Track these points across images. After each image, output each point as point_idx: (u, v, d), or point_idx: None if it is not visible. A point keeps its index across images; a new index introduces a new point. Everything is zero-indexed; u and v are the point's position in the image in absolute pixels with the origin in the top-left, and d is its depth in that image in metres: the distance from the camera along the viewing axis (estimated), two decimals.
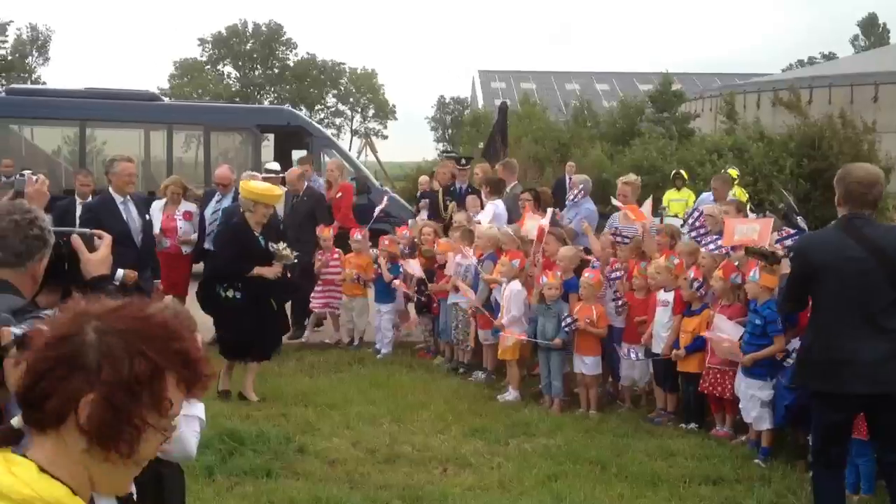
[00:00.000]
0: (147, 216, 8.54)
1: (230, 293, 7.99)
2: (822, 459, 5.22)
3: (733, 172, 16.73)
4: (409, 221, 12.35)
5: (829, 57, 74.15)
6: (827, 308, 5.00)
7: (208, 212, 10.76)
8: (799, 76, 43.04)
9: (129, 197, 8.27)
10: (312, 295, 10.80)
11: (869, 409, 5.06)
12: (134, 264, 7.66)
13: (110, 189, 8.27)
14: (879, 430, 5.14)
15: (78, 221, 8.35)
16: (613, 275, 8.34)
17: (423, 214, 12.33)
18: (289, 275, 8.74)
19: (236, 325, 8.00)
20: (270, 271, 8.09)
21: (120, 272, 7.19)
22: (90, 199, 9.28)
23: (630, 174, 10.83)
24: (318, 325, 11.38)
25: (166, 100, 21.25)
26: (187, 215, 10.51)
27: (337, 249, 10.84)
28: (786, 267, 5.67)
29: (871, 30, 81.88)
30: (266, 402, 8.04)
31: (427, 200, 12.54)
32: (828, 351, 4.95)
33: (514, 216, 10.53)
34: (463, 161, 12.75)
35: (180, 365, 1.66)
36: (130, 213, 8.22)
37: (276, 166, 11.89)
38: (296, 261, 8.63)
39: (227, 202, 10.63)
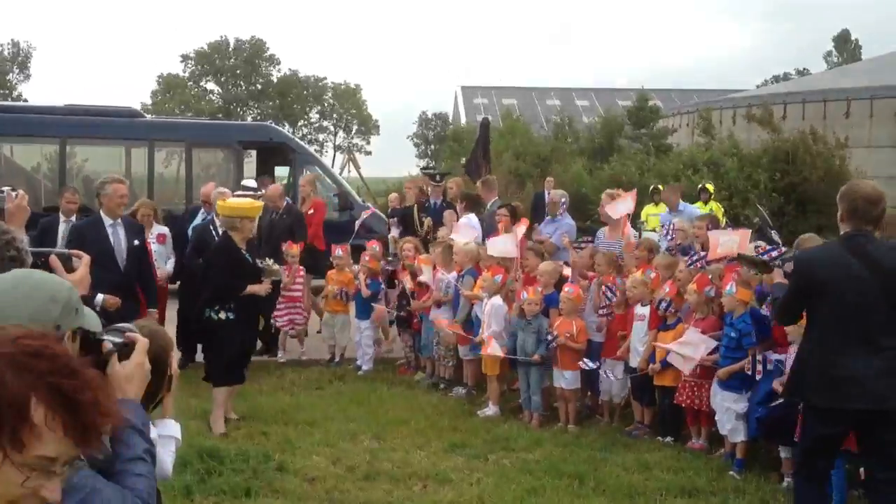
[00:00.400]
0: (136, 241, 8.18)
1: (222, 315, 7.76)
2: (805, 472, 5.26)
3: (710, 187, 16.96)
4: (390, 237, 12.46)
5: (803, 73, 74.90)
6: (825, 324, 5.01)
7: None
8: (773, 92, 43.46)
9: (119, 220, 8.03)
10: (275, 313, 10.74)
11: (862, 425, 5.04)
12: (116, 289, 7.40)
13: (101, 211, 8.00)
14: (872, 447, 5.12)
15: (61, 240, 8.24)
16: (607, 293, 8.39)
17: (395, 232, 12.44)
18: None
19: (228, 347, 7.85)
20: (262, 289, 7.97)
21: (100, 297, 7.05)
22: (74, 217, 9.08)
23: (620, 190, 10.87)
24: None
25: (148, 116, 21.16)
26: (161, 238, 10.13)
27: (301, 267, 10.84)
28: (778, 276, 5.74)
29: (844, 46, 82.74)
30: (245, 420, 8.06)
31: (396, 219, 12.66)
32: (825, 366, 4.96)
33: (493, 232, 10.62)
34: (437, 178, 12.84)
35: (57, 403, 1.55)
36: (118, 236, 7.98)
37: (252, 183, 11.92)
38: (283, 276, 8.65)
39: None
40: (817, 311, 5.07)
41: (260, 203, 8.53)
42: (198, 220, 10.76)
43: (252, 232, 8.11)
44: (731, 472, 6.81)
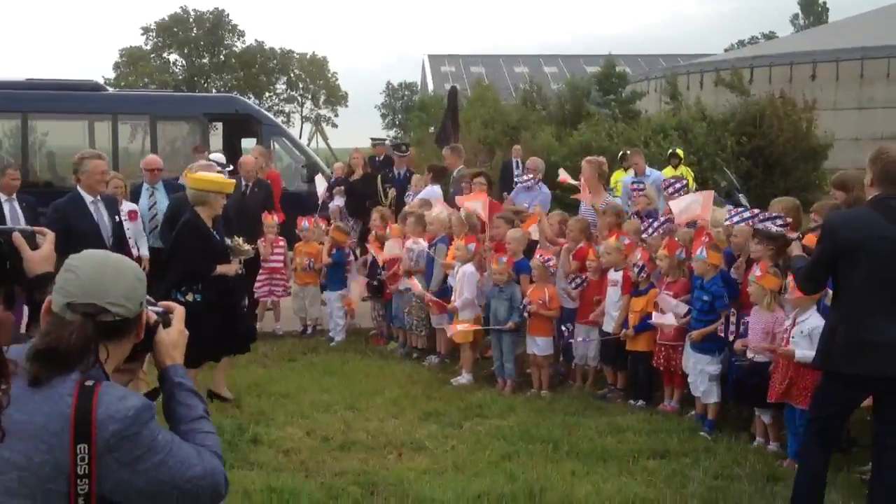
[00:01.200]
0: (117, 217, 7.92)
1: (189, 297, 7.27)
2: (819, 431, 5.17)
3: (679, 152, 17.04)
4: (333, 206, 12.44)
5: (770, 36, 75.20)
6: (856, 288, 4.85)
7: (143, 206, 10.25)
8: (740, 56, 43.62)
9: (99, 197, 7.75)
10: (256, 284, 10.70)
11: (885, 390, 4.92)
12: None
13: (79, 188, 7.70)
14: (887, 413, 4.99)
15: (9, 219, 7.76)
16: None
17: (339, 200, 12.42)
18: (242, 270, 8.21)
19: (197, 331, 7.59)
20: (231, 268, 7.57)
21: None
22: (15, 195, 8.18)
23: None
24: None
25: (110, 89, 20.79)
26: (132, 215, 9.71)
27: (281, 238, 10.81)
28: (796, 248, 5.51)
29: (811, 9, 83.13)
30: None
31: (342, 187, 12.63)
32: (855, 332, 4.82)
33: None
34: (403, 147, 12.83)
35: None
36: (101, 213, 7.72)
37: (221, 158, 11.71)
38: (253, 254, 8.33)
39: (161, 195, 10.28)
40: (847, 276, 4.89)
41: (232, 180, 8.12)
42: (144, 197, 10.33)
43: (219, 209, 7.65)
44: (702, 433, 6.90)
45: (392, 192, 12.13)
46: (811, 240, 5.64)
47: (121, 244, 7.85)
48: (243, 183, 10.63)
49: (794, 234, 5.78)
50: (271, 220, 10.68)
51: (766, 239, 6.30)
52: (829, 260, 4.95)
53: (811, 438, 5.27)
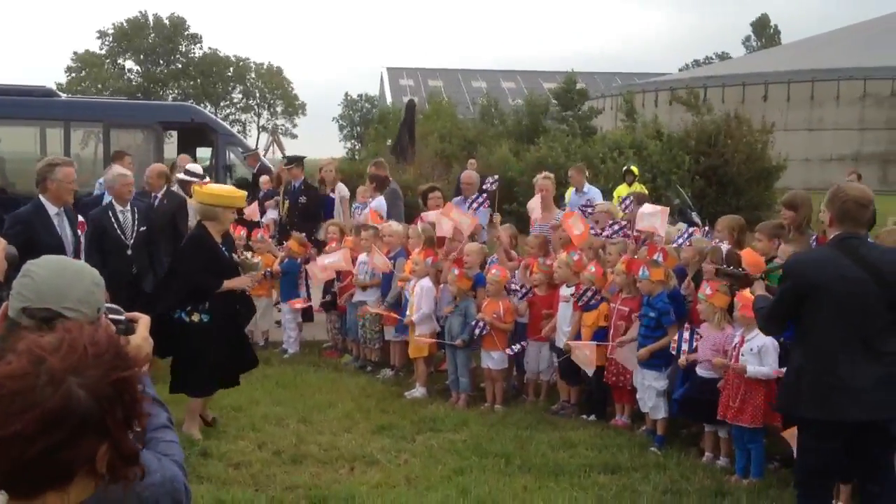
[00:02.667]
0: (79, 232, 7.44)
1: (195, 317, 6.85)
2: (806, 492, 4.96)
3: (634, 169, 17.25)
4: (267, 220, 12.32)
5: (724, 57, 76.52)
6: (820, 330, 4.72)
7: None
8: (694, 75, 44.36)
9: (62, 209, 7.13)
10: None
11: (857, 436, 4.75)
12: None
13: (42, 197, 7.02)
14: (863, 458, 4.85)
15: None
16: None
17: (271, 213, 12.39)
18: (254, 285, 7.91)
19: (205, 354, 6.90)
20: (241, 282, 7.14)
21: None
22: None
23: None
24: None
25: (63, 96, 20.51)
26: (82, 227, 9.03)
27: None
28: (759, 288, 5.38)
29: (763, 31, 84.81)
30: (168, 406, 7.89)
31: (275, 200, 12.61)
32: (821, 375, 4.68)
33: (393, 211, 11.19)
34: (296, 161, 12.91)
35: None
36: (64, 227, 7.12)
37: (198, 169, 11.49)
38: (261, 269, 8.03)
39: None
40: (810, 317, 4.77)
41: (243, 192, 7.57)
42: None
43: (229, 224, 7.33)
44: (652, 449, 6.96)
45: (286, 204, 12.11)
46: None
47: (118, 255, 7.69)
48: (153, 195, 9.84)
49: (757, 274, 5.65)
50: (239, 233, 10.59)
51: (728, 278, 6.14)
52: (792, 300, 4.85)
53: (802, 502, 5.05)
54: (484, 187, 10.11)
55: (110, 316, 2.42)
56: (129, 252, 7.98)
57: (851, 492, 5.69)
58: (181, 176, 10.69)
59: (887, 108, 35.17)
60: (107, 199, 8.80)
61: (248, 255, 7.63)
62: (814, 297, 4.72)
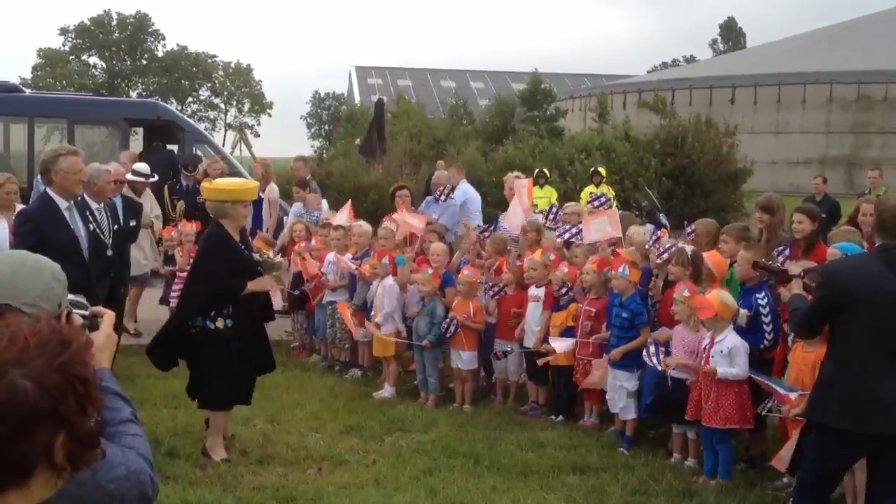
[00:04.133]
0: (91, 226, 6.84)
1: (219, 322, 6.39)
2: (809, 493, 4.91)
3: (602, 170, 17.33)
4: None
5: (691, 60, 77.21)
6: (854, 341, 4.59)
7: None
8: (662, 78, 44.67)
9: (72, 202, 6.61)
10: (171, 295, 10.47)
11: (880, 448, 4.68)
12: (83, 290, 6.37)
13: (49, 191, 6.47)
14: (884, 472, 4.73)
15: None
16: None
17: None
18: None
19: (230, 362, 6.45)
20: (264, 284, 6.69)
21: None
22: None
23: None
24: None
25: (28, 91, 20.22)
26: None
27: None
28: (797, 286, 5.18)
29: (730, 34, 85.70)
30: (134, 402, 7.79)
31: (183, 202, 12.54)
32: (851, 387, 4.57)
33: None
34: (190, 168, 12.88)
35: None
36: (76, 221, 6.59)
37: (145, 168, 11.39)
38: (284, 267, 7.70)
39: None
40: (845, 327, 4.62)
41: (255, 183, 7.11)
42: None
43: (245, 218, 6.87)
44: (620, 449, 6.98)
45: (180, 204, 12.03)
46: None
47: (98, 256, 6.90)
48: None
49: (797, 270, 5.43)
50: (189, 228, 10.48)
51: (767, 272, 5.85)
52: (828, 309, 4.69)
53: (801, 501, 5.00)
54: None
55: (74, 311, 2.38)
56: (109, 253, 7.54)
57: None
58: (129, 177, 10.45)
59: (853, 111, 35.67)
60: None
61: (269, 253, 7.20)
62: (849, 307, 4.57)
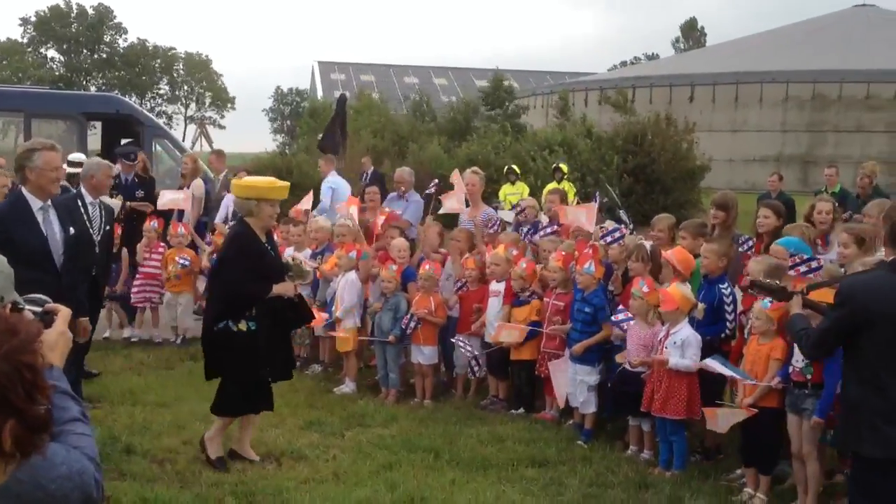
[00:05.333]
0: (71, 229, 6.22)
1: (243, 325, 6.14)
2: None
3: (563, 167, 17.44)
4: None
5: (652, 57, 77.84)
6: (875, 361, 4.34)
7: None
8: (623, 76, 44.99)
9: (49, 202, 6.03)
10: (133, 290, 10.42)
11: None
12: (54, 295, 6.06)
13: (24, 189, 5.94)
14: None
15: None
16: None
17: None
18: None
19: (248, 368, 6.22)
20: (288, 288, 6.39)
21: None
22: None
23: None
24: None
25: None
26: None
27: (161, 243, 10.57)
28: (797, 306, 4.95)
29: (691, 33, 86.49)
30: (90, 402, 7.73)
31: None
32: (875, 409, 4.30)
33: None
34: (132, 156, 12.82)
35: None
36: (50, 223, 6.01)
37: (80, 157, 11.16)
38: (313, 277, 7.39)
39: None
40: (866, 347, 4.38)
41: (285, 183, 6.73)
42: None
43: (273, 219, 6.57)
44: (579, 442, 7.06)
45: (119, 199, 11.98)
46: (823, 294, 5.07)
47: (85, 254, 6.52)
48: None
49: (797, 288, 5.18)
50: (150, 224, 10.42)
51: (765, 292, 5.53)
52: (845, 329, 4.46)
53: None
54: (427, 192, 10.17)
55: (27, 307, 2.36)
56: (96, 250, 7.37)
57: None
58: (67, 169, 10.02)
59: (808, 110, 36.16)
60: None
61: (300, 257, 6.88)
62: (868, 325, 4.36)
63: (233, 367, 6.19)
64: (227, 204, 11.38)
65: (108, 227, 7.58)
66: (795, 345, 5.64)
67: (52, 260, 5.93)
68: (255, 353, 6.18)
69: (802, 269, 6.03)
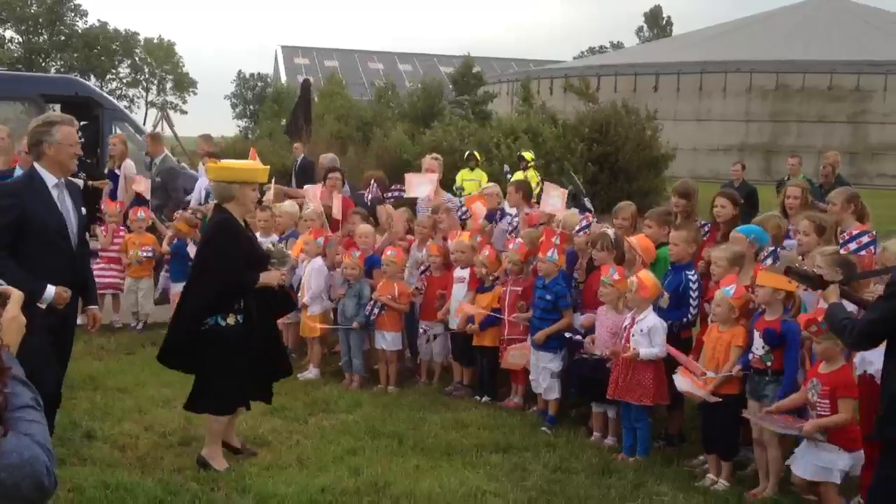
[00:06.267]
0: (83, 209, 5.83)
1: (230, 319, 5.82)
2: None
3: (527, 155, 17.44)
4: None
5: (617, 46, 78.15)
6: None
7: None
8: (588, 64, 45.13)
9: (62, 179, 5.56)
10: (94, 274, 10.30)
11: None
12: (68, 279, 5.39)
13: (37, 165, 5.45)
14: None
15: None
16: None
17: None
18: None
19: (235, 362, 5.88)
20: (275, 277, 6.06)
21: (50, 289, 5.14)
22: None
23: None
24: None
25: None
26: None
27: (122, 227, 10.46)
28: (834, 295, 4.74)
29: (656, 21, 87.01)
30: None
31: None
32: None
33: (169, 185, 11.74)
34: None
35: None
36: (65, 203, 5.53)
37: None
38: (294, 262, 7.20)
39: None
40: None
41: (265, 166, 6.42)
42: None
43: (254, 203, 6.32)
44: (543, 428, 7.08)
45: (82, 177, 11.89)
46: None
47: (86, 245, 6.05)
48: None
49: (836, 277, 4.99)
50: (114, 208, 10.28)
51: (800, 279, 5.19)
52: None
53: None
54: (390, 194, 10.03)
55: None
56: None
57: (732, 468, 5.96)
58: None
59: (771, 100, 36.59)
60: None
61: (281, 245, 6.63)
62: None
63: (218, 363, 5.83)
64: (201, 188, 11.29)
65: (83, 212, 7.31)
66: (756, 333, 5.72)
67: (70, 240, 5.51)
68: (245, 346, 5.88)
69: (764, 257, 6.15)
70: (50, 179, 5.41)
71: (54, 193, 5.44)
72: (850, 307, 4.90)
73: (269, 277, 5.98)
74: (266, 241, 6.79)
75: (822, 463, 5.26)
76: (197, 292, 5.89)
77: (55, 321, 5.26)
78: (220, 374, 5.87)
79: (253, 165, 6.21)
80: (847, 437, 5.22)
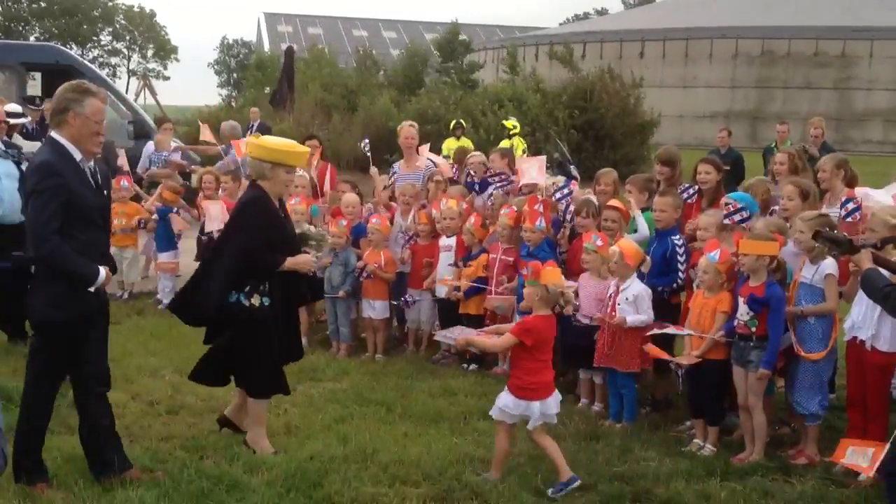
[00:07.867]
0: (106, 191, 5.29)
1: (255, 299, 5.61)
2: None
3: (509, 124, 17.36)
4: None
5: (602, 12, 77.73)
6: None
7: None
8: (574, 31, 44.90)
9: (83, 158, 4.97)
10: None
11: None
12: (105, 258, 5.13)
13: (62, 139, 4.88)
14: None
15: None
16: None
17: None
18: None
19: (269, 347, 5.71)
20: (305, 261, 5.80)
21: (102, 273, 4.87)
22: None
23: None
24: None
25: None
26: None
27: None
28: (867, 260, 4.62)
29: None
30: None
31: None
32: None
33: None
34: (37, 101, 12.58)
35: None
36: (96, 179, 5.07)
37: (16, 107, 10.77)
38: (330, 243, 7.07)
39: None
40: None
41: (305, 148, 6.24)
42: None
43: (290, 185, 6.18)
44: None
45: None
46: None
47: (108, 220, 5.50)
48: None
49: (869, 240, 4.87)
50: None
51: (830, 244, 5.00)
52: None
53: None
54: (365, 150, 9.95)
55: None
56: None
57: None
58: (11, 121, 9.43)
59: (757, 66, 36.55)
60: None
61: (311, 226, 6.42)
62: None
63: (251, 348, 5.66)
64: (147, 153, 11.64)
65: (105, 193, 7.04)
66: (741, 299, 5.74)
67: (108, 218, 5.26)
68: (272, 331, 5.68)
69: (737, 217, 6.20)
70: (76, 154, 4.90)
71: (87, 172, 4.97)
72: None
73: (298, 262, 5.73)
74: (305, 224, 6.58)
75: None
76: (222, 268, 5.65)
77: (103, 305, 5.18)
78: (253, 360, 5.72)
79: (290, 147, 5.85)
80: None
